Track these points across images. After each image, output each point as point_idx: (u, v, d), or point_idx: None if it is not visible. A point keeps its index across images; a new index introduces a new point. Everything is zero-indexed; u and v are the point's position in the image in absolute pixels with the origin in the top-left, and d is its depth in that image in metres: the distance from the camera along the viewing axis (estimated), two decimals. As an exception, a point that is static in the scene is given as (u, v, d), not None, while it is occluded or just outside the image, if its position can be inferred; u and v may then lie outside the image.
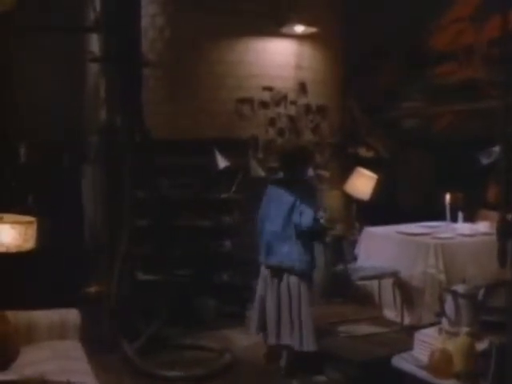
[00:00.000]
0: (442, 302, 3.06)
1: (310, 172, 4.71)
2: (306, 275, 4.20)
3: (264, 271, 4.38)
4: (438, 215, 5.43)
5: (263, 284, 4.38)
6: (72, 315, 3.71)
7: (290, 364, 4.30)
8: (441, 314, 3.04)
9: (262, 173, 6.08)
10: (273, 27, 6.14)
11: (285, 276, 4.21)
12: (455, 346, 2.71)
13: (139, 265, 5.34)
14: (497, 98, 6.22)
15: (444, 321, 3.03)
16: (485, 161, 6.17)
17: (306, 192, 4.23)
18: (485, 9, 6.44)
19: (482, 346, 2.75)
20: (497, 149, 6.15)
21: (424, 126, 7.33)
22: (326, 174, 6.34)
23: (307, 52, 6.49)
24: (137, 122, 4.58)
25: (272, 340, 4.30)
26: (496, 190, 6.03)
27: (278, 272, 4.26)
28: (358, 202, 6.33)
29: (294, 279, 4.17)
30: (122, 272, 4.71)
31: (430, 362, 2.76)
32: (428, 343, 2.90)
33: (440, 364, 2.71)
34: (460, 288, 3.07)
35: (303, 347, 4.11)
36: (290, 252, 4.18)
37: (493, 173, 6.10)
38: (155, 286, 5.26)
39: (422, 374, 2.77)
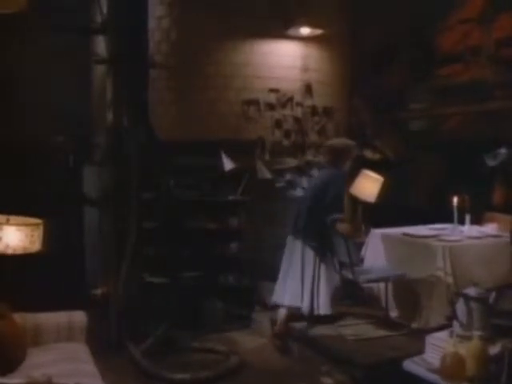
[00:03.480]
0: (453, 305, 3.02)
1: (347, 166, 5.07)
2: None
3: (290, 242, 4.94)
4: (446, 217, 5.36)
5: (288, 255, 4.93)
6: (79, 317, 3.70)
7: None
8: (452, 317, 3.01)
9: (268, 175, 6.09)
10: (279, 29, 6.14)
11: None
12: (467, 349, 2.68)
13: (146, 266, 5.31)
14: (504, 99, 6.36)
15: (455, 324, 3.00)
16: (491, 162, 6.15)
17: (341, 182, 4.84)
18: (492, 9, 6.43)
19: (494, 350, 2.72)
20: (503, 150, 6.15)
21: (431, 128, 7.28)
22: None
23: (313, 53, 6.48)
24: (143, 123, 4.55)
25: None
26: (502, 192, 6.02)
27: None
28: (364, 204, 6.29)
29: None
30: (129, 274, 4.71)
31: (441, 366, 2.73)
32: (439, 347, 2.86)
33: (452, 368, 2.68)
34: (472, 291, 3.04)
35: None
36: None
37: (499, 175, 6.10)
38: (162, 287, 5.23)
39: (434, 378, 2.74)
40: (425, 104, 7.20)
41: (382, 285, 4.90)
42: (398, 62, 7.40)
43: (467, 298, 2.97)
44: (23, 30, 4.97)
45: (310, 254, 4.78)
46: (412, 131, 7.37)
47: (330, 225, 4.67)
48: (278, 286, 4.95)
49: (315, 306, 4.70)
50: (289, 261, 4.92)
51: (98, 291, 4.80)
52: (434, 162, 7.08)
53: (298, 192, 6.23)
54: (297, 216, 4.97)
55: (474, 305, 2.94)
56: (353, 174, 6.33)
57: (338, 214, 4.72)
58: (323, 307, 4.72)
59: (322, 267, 4.75)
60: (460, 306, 2.99)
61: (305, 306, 4.76)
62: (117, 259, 4.71)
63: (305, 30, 6.06)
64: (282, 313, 4.89)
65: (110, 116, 4.62)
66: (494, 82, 6.41)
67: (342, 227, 4.83)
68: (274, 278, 5.69)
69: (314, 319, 4.77)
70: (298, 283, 4.79)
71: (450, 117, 6.99)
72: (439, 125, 7.16)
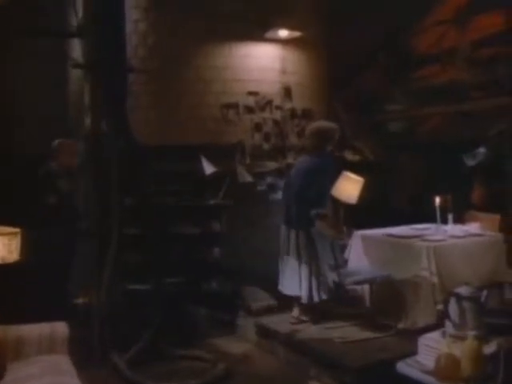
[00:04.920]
0: (445, 304, 2.99)
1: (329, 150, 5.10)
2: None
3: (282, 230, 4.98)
4: (427, 217, 5.36)
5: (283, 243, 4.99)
6: (61, 328, 3.60)
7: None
8: (443, 317, 2.98)
9: (249, 178, 6.06)
10: (258, 32, 6.12)
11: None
12: (462, 350, 2.65)
13: (129, 273, 5.21)
14: (481, 99, 6.41)
15: (448, 324, 2.97)
16: (470, 162, 6.20)
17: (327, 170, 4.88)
18: (467, 10, 6.46)
19: (489, 349, 2.70)
20: (482, 150, 6.19)
21: (409, 129, 7.31)
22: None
23: (292, 56, 6.47)
24: (122, 128, 4.47)
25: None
26: (481, 192, 6.06)
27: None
28: (346, 206, 6.28)
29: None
30: (111, 281, 4.60)
31: (436, 367, 2.70)
32: (433, 348, 2.84)
33: (447, 369, 2.65)
34: (463, 290, 3.01)
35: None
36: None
37: (478, 174, 6.14)
38: (145, 295, 5.13)
39: (429, 379, 2.71)
40: (402, 106, 7.24)
41: (366, 286, 4.88)
42: (374, 65, 7.43)
43: (459, 298, 2.94)
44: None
45: (304, 241, 4.80)
46: (391, 132, 7.40)
47: (312, 219, 4.74)
48: (281, 276, 5.02)
49: (314, 293, 4.76)
50: (285, 250, 4.95)
51: (80, 300, 4.68)
52: (413, 162, 7.12)
53: (279, 195, 6.19)
54: (286, 204, 5.00)
55: (466, 304, 2.92)
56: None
57: (322, 206, 4.81)
58: (322, 292, 4.77)
59: (319, 249, 4.79)
60: (452, 306, 2.97)
61: (303, 295, 4.80)
62: (98, 267, 4.59)
63: (283, 33, 6.04)
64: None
65: (87, 121, 4.52)
66: (471, 83, 6.46)
67: (324, 228, 4.86)
68: (257, 282, 5.72)
69: (318, 314, 4.86)
70: (296, 272, 4.83)
71: (428, 118, 7.04)
72: (417, 126, 7.21)
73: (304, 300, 4.83)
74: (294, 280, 4.86)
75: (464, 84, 6.51)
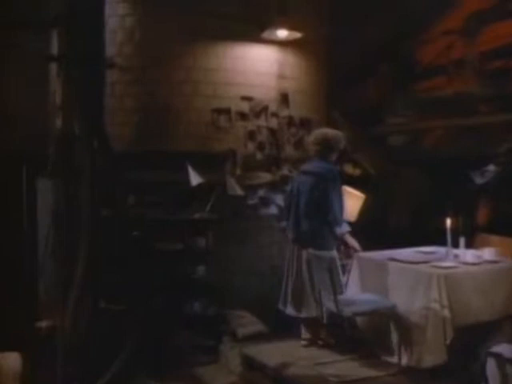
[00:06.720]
0: (482, 366, 2.44)
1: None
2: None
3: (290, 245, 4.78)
4: (430, 238, 5.03)
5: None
6: (11, 360, 3.08)
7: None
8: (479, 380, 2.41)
9: (239, 191, 5.68)
10: (254, 32, 5.72)
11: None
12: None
13: (100, 293, 4.74)
14: (488, 113, 6.06)
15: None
16: (479, 180, 5.86)
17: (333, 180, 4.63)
18: (475, 21, 6.14)
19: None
20: (491, 168, 5.83)
21: (411, 143, 6.95)
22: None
23: (291, 60, 6.08)
24: (96, 131, 4.00)
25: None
26: (487, 212, 5.69)
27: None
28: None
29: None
30: (78, 302, 4.12)
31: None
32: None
33: None
34: (506, 350, 2.42)
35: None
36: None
37: (484, 193, 5.77)
38: (119, 317, 4.67)
39: None
40: (404, 118, 6.91)
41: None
42: (377, 75, 7.11)
43: (501, 360, 2.35)
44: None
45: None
46: (391, 146, 7.04)
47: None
48: (283, 297, 4.77)
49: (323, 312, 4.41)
50: (294, 270, 4.69)
51: (43, 324, 4.16)
52: (415, 178, 6.77)
53: (272, 210, 5.79)
54: (294, 217, 4.73)
55: (510, 369, 2.32)
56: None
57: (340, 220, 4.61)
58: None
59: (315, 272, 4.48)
60: (491, 369, 2.39)
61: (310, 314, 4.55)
62: (65, 286, 4.09)
63: (282, 33, 5.63)
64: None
65: (59, 122, 4.04)
66: (479, 96, 6.13)
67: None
68: (245, 305, 5.27)
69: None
70: (309, 293, 4.58)
71: (432, 132, 6.72)
72: (420, 140, 6.88)
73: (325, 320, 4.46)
74: (307, 301, 4.55)
75: (472, 97, 6.18)
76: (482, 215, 5.70)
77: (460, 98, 6.28)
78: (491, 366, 2.43)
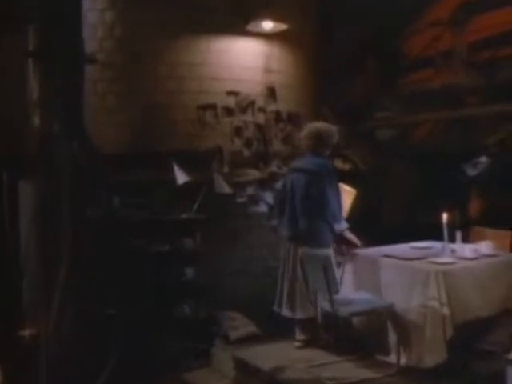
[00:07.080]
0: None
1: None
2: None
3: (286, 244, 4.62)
4: (422, 233, 4.91)
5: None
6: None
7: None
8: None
9: (227, 189, 5.55)
10: (238, 24, 5.60)
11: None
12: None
13: (85, 296, 4.57)
14: (476, 105, 5.98)
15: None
16: (471, 172, 5.77)
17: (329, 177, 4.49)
18: (463, 12, 6.06)
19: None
20: (483, 159, 5.75)
21: (400, 137, 6.84)
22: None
23: (277, 53, 5.96)
24: (77, 129, 3.82)
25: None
26: (479, 204, 5.61)
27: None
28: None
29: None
30: (62, 304, 3.95)
31: None
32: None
33: None
34: None
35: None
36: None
37: (476, 185, 5.68)
38: (106, 322, 4.51)
39: None
40: (392, 112, 6.84)
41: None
42: (364, 69, 7.04)
43: None
44: None
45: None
46: (381, 141, 6.95)
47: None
48: (279, 297, 4.62)
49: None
50: (290, 269, 4.53)
51: (26, 332, 3.97)
52: (405, 172, 6.71)
53: (262, 208, 5.66)
54: (290, 215, 4.54)
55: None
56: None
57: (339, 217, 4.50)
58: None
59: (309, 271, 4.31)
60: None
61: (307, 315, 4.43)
62: (47, 291, 3.91)
63: (267, 25, 5.51)
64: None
65: (36, 121, 3.85)
66: (468, 87, 6.06)
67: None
68: (236, 307, 5.13)
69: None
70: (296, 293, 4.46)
71: (421, 125, 6.66)
72: (409, 134, 6.80)
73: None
74: (303, 301, 4.40)
75: (460, 89, 6.11)
76: (475, 208, 5.62)
77: (448, 90, 6.21)
78: (510, 375, 2.29)
